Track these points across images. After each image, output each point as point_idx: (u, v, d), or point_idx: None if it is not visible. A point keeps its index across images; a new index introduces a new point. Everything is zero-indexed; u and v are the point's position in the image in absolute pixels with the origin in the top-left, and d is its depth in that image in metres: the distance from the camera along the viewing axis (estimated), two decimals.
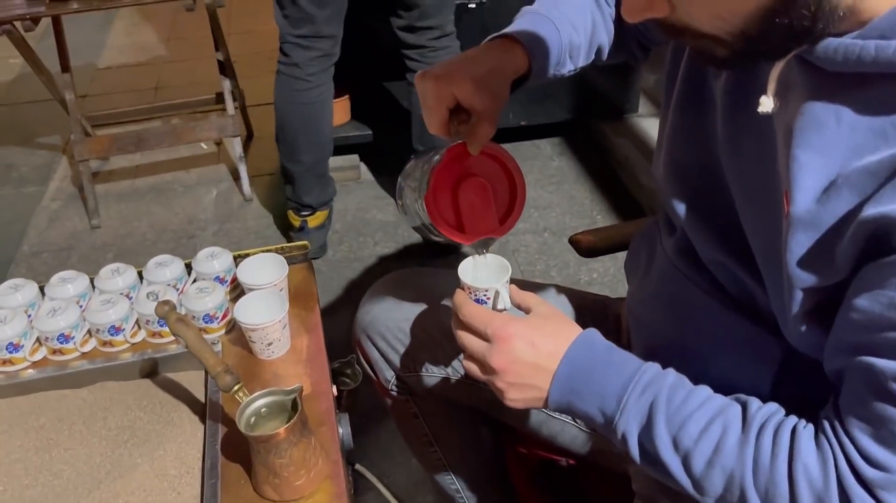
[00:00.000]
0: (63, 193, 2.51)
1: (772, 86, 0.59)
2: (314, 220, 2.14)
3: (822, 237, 0.57)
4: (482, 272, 0.81)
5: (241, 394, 0.79)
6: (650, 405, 0.67)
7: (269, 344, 0.92)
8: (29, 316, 0.96)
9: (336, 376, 1.11)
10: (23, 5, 2.01)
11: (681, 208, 0.76)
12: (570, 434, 0.98)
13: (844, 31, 0.54)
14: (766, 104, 0.59)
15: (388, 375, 1.04)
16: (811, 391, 0.66)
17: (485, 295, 0.78)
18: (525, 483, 1.04)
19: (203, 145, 2.70)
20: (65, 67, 2.24)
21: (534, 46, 0.85)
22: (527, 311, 0.76)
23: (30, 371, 0.94)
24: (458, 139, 0.80)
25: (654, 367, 0.69)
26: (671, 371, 0.70)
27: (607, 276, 2.04)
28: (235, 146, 2.39)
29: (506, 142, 2.55)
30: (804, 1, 0.51)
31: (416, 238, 2.23)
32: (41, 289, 1.00)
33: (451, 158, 0.80)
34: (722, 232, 0.71)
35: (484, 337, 0.73)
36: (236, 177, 2.50)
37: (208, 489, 0.78)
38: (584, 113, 2.63)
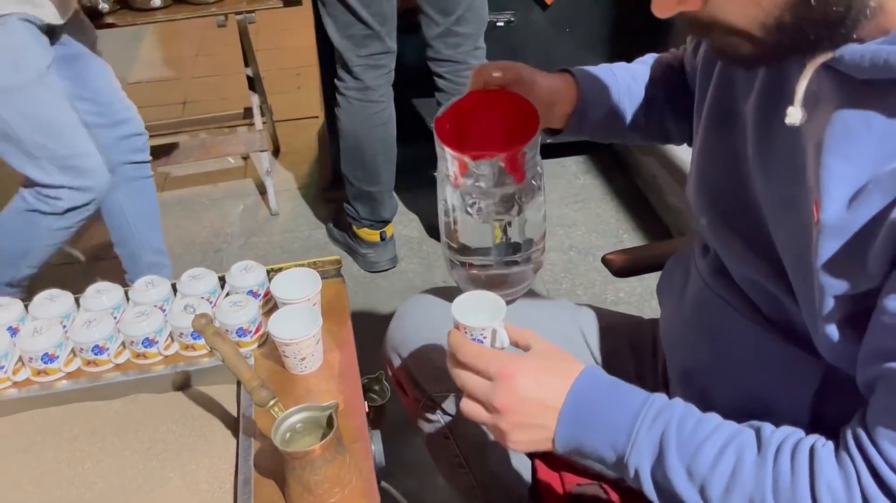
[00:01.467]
0: None
1: (799, 96, 0.58)
2: (389, 231, 2.13)
3: (852, 242, 0.57)
4: (475, 308, 0.79)
5: (276, 409, 0.78)
6: (661, 435, 0.65)
7: (303, 359, 0.91)
8: (64, 327, 0.96)
9: (364, 392, 1.10)
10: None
11: (712, 228, 0.76)
12: None
13: (868, 37, 0.54)
14: (794, 115, 0.59)
15: (419, 395, 1.03)
16: (851, 413, 0.64)
17: (481, 334, 0.77)
18: (555, 497, 1.03)
19: (230, 160, 2.72)
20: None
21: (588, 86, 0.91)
22: (525, 349, 0.74)
23: (64, 382, 0.94)
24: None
25: (662, 398, 0.67)
26: (679, 400, 0.68)
27: (634, 296, 2.02)
28: (263, 161, 2.41)
29: None
30: None
31: (440, 254, 2.23)
32: (76, 300, 1.01)
33: (472, 96, 0.87)
34: (753, 250, 0.71)
35: (486, 376, 0.70)
36: (262, 191, 2.52)
37: None
38: None
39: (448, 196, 0.89)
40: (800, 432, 0.64)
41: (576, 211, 2.39)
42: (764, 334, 0.71)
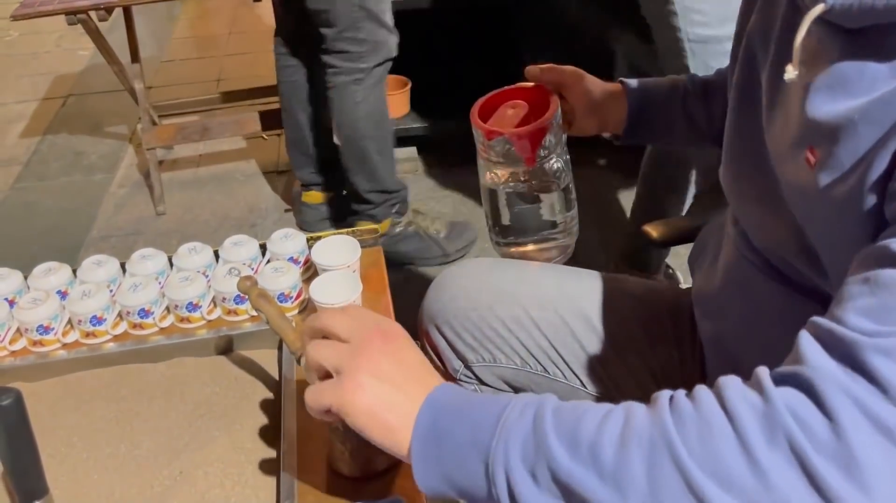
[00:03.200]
0: (130, 181, 2.59)
1: (796, 54, 0.60)
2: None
3: (849, 173, 0.57)
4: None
5: None
6: (533, 418, 0.53)
7: None
8: (111, 291, 0.98)
9: None
10: None
11: (733, 189, 0.78)
12: None
13: None
14: (790, 72, 0.60)
15: (456, 365, 1.04)
16: None
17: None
18: None
19: (264, 136, 2.74)
20: (135, 58, 2.31)
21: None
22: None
23: (111, 344, 0.97)
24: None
25: (531, 394, 0.59)
26: (551, 395, 0.57)
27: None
28: None
29: None
30: None
31: (476, 230, 2.23)
32: (122, 265, 1.03)
33: (511, 89, 0.99)
34: (769, 212, 0.72)
35: (336, 371, 0.61)
36: None
37: (285, 464, 0.79)
38: None
39: (485, 180, 1.01)
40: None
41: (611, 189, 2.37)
42: (790, 295, 0.72)
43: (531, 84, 0.98)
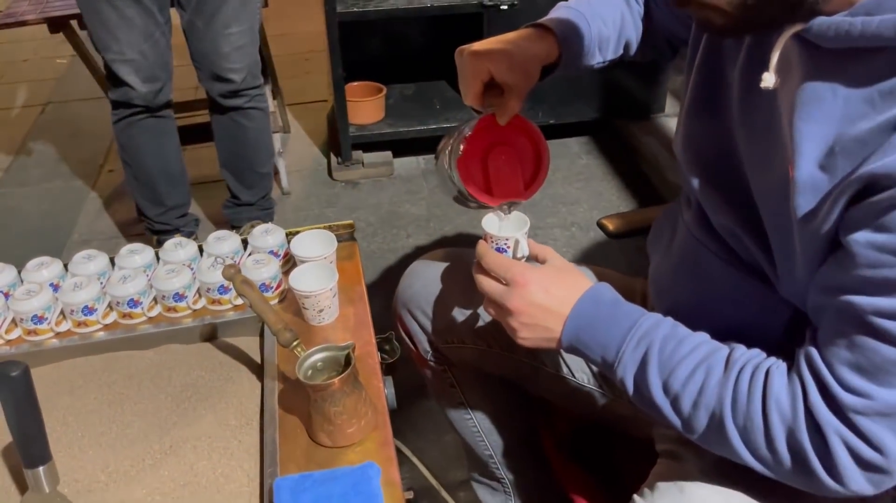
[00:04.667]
0: (110, 186, 2.63)
1: (773, 64, 0.65)
2: None
3: (825, 201, 0.64)
4: (503, 223, 0.90)
5: (298, 349, 0.86)
6: (644, 355, 0.75)
7: (321, 310, 0.99)
8: (101, 283, 1.04)
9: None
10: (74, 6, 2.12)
11: (696, 181, 0.83)
12: (598, 404, 1.04)
13: (835, 10, 0.61)
14: (769, 80, 0.65)
15: (427, 347, 1.11)
16: None
17: (505, 243, 0.87)
18: (554, 449, 1.11)
19: None
20: None
21: (566, 36, 0.93)
22: (542, 262, 0.84)
23: (101, 333, 1.03)
24: (490, 111, 0.90)
25: (650, 320, 0.76)
26: (666, 322, 0.77)
27: (635, 272, 2.10)
28: (275, 143, 2.48)
29: None
30: None
31: (447, 230, 2.31)
32: (111, 259, 1.09)
33: (481, 128, 0.90)
34: (732, 201, 0.78)
35: (503, 281, 0.81)
36: (274, 172, 2.59)
37: (268, 436, 0.86)
38: (612, 112, 2.69)
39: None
40: (763, 355, 0.72)
41: (578, 189, 2.46)
42: (740, 275, 0.79)
43: (493, 116, 0.90)
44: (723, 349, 0.73)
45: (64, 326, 1.02)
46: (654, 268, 0.94)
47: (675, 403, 0.73)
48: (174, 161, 2.01)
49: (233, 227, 2.17)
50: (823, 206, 0.64)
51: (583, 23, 0.95)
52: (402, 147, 2.64)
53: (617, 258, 2.12)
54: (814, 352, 0.67)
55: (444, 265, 1.09)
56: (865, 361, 0.62)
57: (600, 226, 1.16)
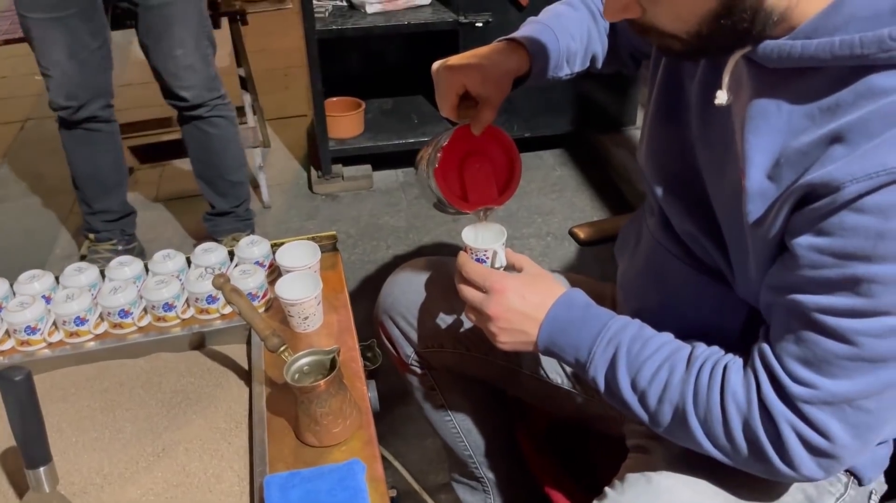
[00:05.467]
0: None
1: (725, 82, 0.71)
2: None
3: (771, 206, 0.70)
4: (482, 236, 0.95)
5: (285, 354, 0.91)
6: (613, 355, 0.81)
7: (306, 318, 1.04)
8: (92, 294, 1.08)
9: None
10: None
11: (660, 188, 0.89)
12: (572, 403, 1.10)
13: (780, 34, 0.67)
14: (721, 97, 0.72)
15: (408, 351, 1.15)
16: None
17: (484, 254, 0.93)
18: (531, 447, 1.16)
19: None
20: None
21: (535, 50, 0.99)
22: (519, 270, 0.90)
23: (92, 343, 1.06)
24: (464, 122, 0.96)
25: (619, 322, 0.82)
26: (634, 324, 0.82)
27: (607, 278, 2.16)
28: (256, 157, 2.53)
29: None
30: (743, 8, 0.64)
31: (426, 241, 2.36)
32: (101, 272, 1.13)
33: (457, 138, 0.96)
34: (693, 207, 0.84)
35: (482, 289, 0.87)
36: (255, 186, 2.63)
37: (257, 437, 0.90)
38: (585, 125, 2.76)
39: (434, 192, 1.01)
40: (721, 352, 0.78)
41: (552, 200, 2.52)
42: (700, 277, 0.85)
43: (468, 126, 0.95)
44: (685, 348, 0.79)
45: (56, 337, 1.06)
46: (621, 274, 1.00)
47: (642, 399, 0.79)
48: (106, 170, 2.08)
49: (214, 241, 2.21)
50: (771, 213, 0.70)
51: (552, 37, 1.01)
52: (381, 160, 2.69)
53: (591, 265, 2.18)
54: (766, 347, 0.72)
55: (423, 273, 1.14)
56: (811, 354, 0.68)
57: (572, 234, 1.22)
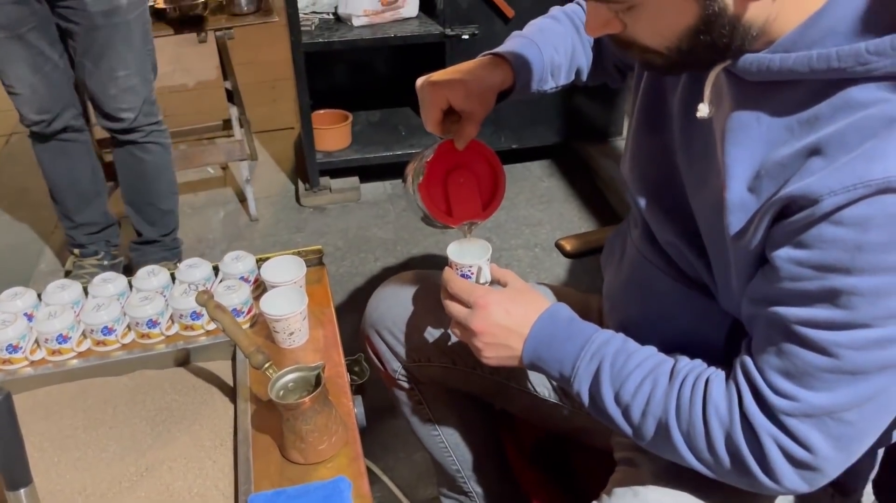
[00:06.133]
0: None
1: (707, 95, 0.72)
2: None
3: (752, 218, 0.70)
4: (467, 251, 0.96)
5: (270, 370, 0.90)
6: (597, 369, 0.81)
7: (291, 333, 1.03)
8: (75, 311, 1.07)
9: None
10: None
11: (643, 200, 0.89)
12: (559, 416, 1.10)
13: (759, 48, 0.68)
14: (703, 110, 0.72)
15: (395, 366, 1.15)
16: None
17: (469, 270, 0.93)
18: (519, 460, 1.16)
19: (210, 169, 2.83)
20: (81, 94, 2.37)
21: (519, 64, 1.00)
22: (504, 285, 0.90)
23: (75, 361, 1.05)
24: (448, 136, 0.96)
25: (602, 336, 0.82)
26: (617, 338, 0.82)
27: (594, 289, 2.16)
28: (243, 170, 2.52)
29: None
30: (722, 24, 0.65)
31: (414, 253, 2.36)
32: (84, 288, 1.12)
33: (441, 152, 0.97)
34: (675, 218, 0.84)
35: (467, 304, 0.87)
36: (242, 199, 2.63)
37: (241, 455, 0.89)
38: (572, 136, 2.78)
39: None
40: (704, 365, 0.78)
41: (540, 211, 2.53)
42: (683, 289, 0.85)
43: (452, 143, 0.96)
44: (668, 361, 0.79)
45: (38, 355, 1.04)
46: (606, 285, 1.00)
47: (626, 413, 0.79)
48: (84, 180, 2.06)
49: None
50: (751, 225, 0.70)
51: (535, 51, 1.02)
52: (369, 172, 2.69)
53: (579, 276, 2.19)
54: (748, 360, 0.73)
55: (410, 287, 1.14)
56: (792, 367, 0.68)
57: (558, 247, 1.22)
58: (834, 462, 0.70)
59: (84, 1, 1.75)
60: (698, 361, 0.79)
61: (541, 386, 1.08)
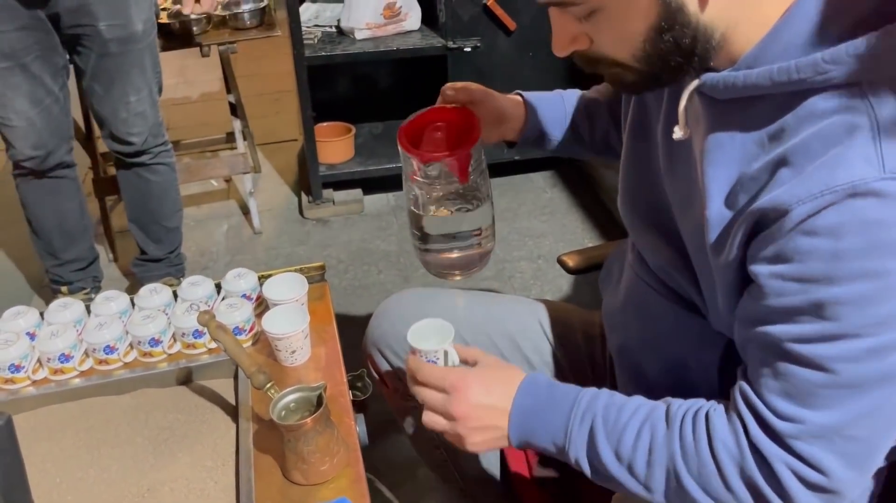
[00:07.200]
0: None
1: (681, 118, 0.74)
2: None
3: (726, 232, 0.71)
4: (427, 334, 0.93)
5: (272, 391, 0.90)
6: (590, 428, 0.78)
7: (293, 352, 1.03)
8: (77, 331, 1.07)
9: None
10: None
11: (633, 225, 0.90)
12: None
13: (722, 66, 0.70)
14: (678, 132, 0.74)
15: (398, 384, 1.15)
16: None
17: (435, 355, 0.90)
18: (522, 477, 1.15)
19: (213, 182, 2.83)
20: (85, 108, 2.38)
21: (535, 100, 1.07)
22: (473, 364, 0.87)
23: (77, 380, 1.05)
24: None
25: (588, 394, 0.80)
26: (604, 392, 0.80)
27: (597, 302, 2.16)
28: (246, 182, 2.53)
29: (501, 175, 2.70)
30: (683, 21, 0.66)
31: (417, 265, 2.34)
32: (87, 307, 1.12)
33: (429, 110, 1.03)
34: (664, 243, 0.85)
35: (442, 390, 0.83)
36: (245, 212, 2.63)
37: (243, 476, 0.89)
38: None
39: (411, 191, 1.05)
40: (701, 401, 0.76)
41: (543, 222, 2.53)
42: (679, 312, 0.85)
43: (447, 105, 1.03)
44: (660, 406, 0.78)
45: (41, 374, 1.04)
46: (605, 307, 1.00)
47: (630, 469, 0.76)
48: (72, 218, 1.99)
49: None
50: (727, 239, 0.71)
51: (555, 97, 1.09)
52: (372, 185, 2.69)
53: (582, 289, 2.18)
54: (746, 387, 0.72)
55: (411, 304, 1.14)
56: (791, 387, 0.68)
57: (560, 263, 1.22)
58: (849, 482, 0.69)
59: (98, 28, 1.71)
60: (692, 400, 0.77)
61: None
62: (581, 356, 1.08)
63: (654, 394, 0.81)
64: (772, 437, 0.69)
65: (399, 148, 1.01)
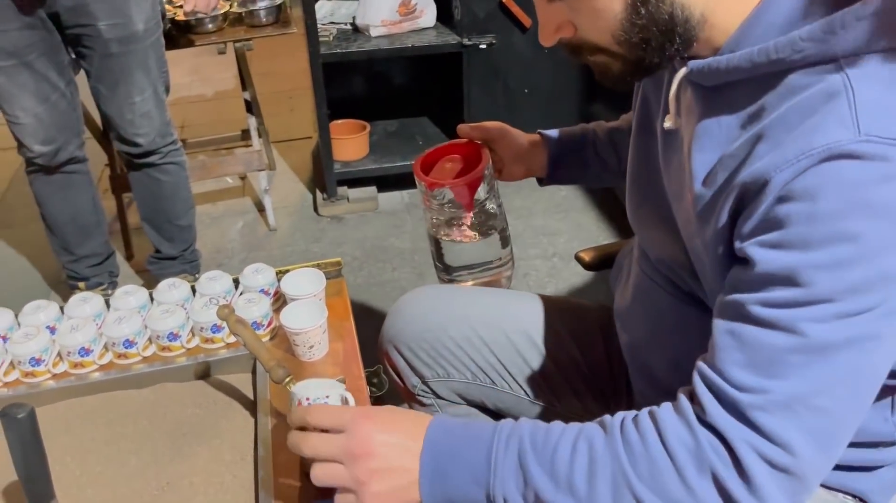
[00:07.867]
0: None
1: (672, 106, 0.74)
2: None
3: (710, 208, 0.70)
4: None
5: (291, 384, 0.90)
6: (518, 454, 0.67)
7: (311, 347, 1.03)
8: (97, 324, 1.08)
9: None
10: None
11: (636, 219, 0.90)
12: None
13: (705, 52, 0.71)
14: (668, 122, 0.75)
15: (414, 381, 1.14)
16: None
17: (326, 400, 0.84)
18: None
19: (228, 179, 2.85)
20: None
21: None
22: None
23: (97, 373, 1.06)
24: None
25: (508, 423, 0.71)
26: (524, 420, 0.71)
27: (611, 300, 2.15)
28: (261, 180, 2.54)
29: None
30: None
31: (431, 262, 2.35)
32: (106, 301, 1.12)
33: (446, 145, 1.14)
34: (665, 237, 0.84)
35: (339, 427, 0.71)
36: (261, 209, 2.64)
37: (262, 471, 0.89)
38: None
39: (426, 216, 1.14)
40: (635, 410, 0.70)
41: (558, 220, 2.52)
42: (683, 308, 0.84)
43: (464, 140, 1.12)
44: (591, 422, 0.71)
45: (61, 368, 1.05)
46: (615, 305, 1.01)
47: (570, 489, 0.66)
48: (86, 213, 2.00)
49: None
50: (712, 217, 0.70)
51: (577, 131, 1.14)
52: (387, 182, 2.70)
53: (598, 285, 2.18)
54: (703, 366, 0.67)
55: (426, 302, 1.14)
56: (755, 356, 0.63)
57: (577, 259, 1.22)
58: (814, 464, 0.64)
59: (98, 28, 1.70)
60: (626, 411, 0.71)
61: (564, 401, 1.07)
62: (598, 353, 1.07)
63: (664, 391, 0.77)
64: (732, 412, 0.64)
65: (414, 176, 1.10)
